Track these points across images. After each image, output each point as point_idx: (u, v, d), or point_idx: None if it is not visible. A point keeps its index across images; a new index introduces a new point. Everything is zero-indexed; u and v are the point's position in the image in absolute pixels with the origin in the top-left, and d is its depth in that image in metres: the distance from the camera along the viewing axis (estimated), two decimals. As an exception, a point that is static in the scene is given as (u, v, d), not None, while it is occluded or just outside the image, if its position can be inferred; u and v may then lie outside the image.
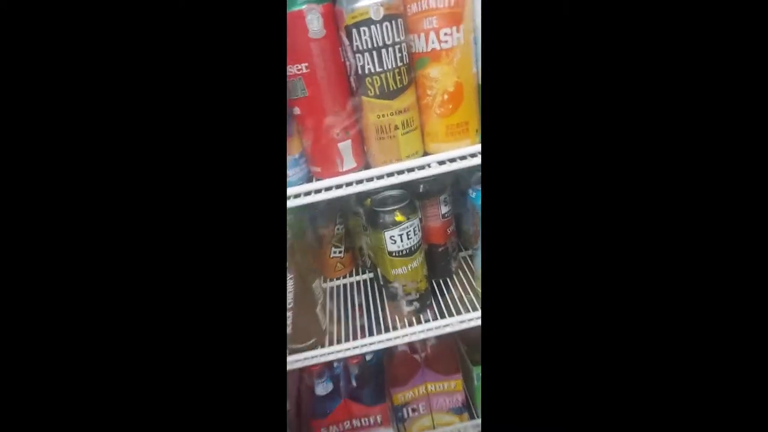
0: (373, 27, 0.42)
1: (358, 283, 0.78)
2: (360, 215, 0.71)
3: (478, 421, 0.75)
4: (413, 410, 0.73)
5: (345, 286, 0.77)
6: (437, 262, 0.70)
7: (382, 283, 0.66)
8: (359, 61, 0.44)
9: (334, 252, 0.76)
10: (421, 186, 0.65)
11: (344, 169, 0.50)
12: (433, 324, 0.62)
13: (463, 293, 0.67)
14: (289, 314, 0.59)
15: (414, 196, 0.61)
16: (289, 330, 0.60)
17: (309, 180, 0.53)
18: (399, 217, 0.58)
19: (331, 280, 0.79)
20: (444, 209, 0.67)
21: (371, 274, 0.77)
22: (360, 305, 0.70)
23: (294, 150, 0.51)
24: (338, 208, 0.75)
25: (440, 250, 0.69)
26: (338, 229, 0.75)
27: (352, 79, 0.47)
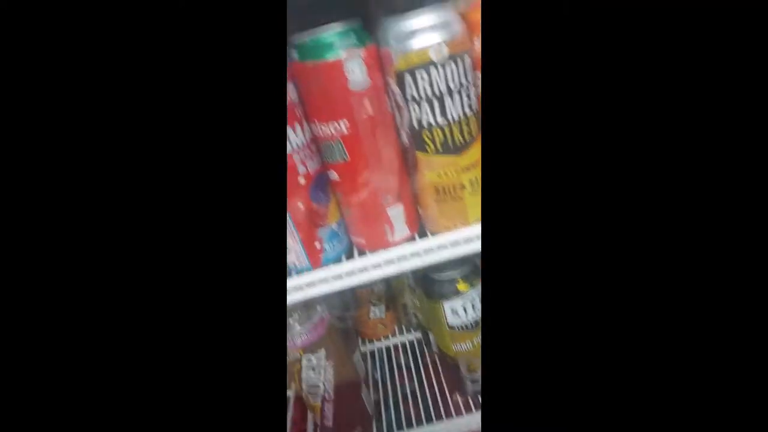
0: (433, 71, 0.33)
1: (403, 344, 0.68)
2: (407, 277, 0.61)
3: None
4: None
5: (388, 349, 0.68)
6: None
7: (436, 352, 0.56)
8: (414, 111, 0.35)
9: (374, 313, 0.66)
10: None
11: (395, 239, 0.41)
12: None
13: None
14: (328, 406, 0.49)
15: (477, 257, 0.51)
16: (327, 423, 0.50)
17: (350, 252, 0.43)
18: (462, 286, 0.48)
19: (371, 341, 0.69)
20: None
21: (418, 335, 0.67)
22: (412, 388, 0.59)
23: (332, 219, 0.41)
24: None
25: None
26: (377, 288, 0.66)
27: (404, 133, 0.37)
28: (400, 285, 0.65)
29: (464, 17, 0.34)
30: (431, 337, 0.58)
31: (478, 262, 0.50)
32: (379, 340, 0.69)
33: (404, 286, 0.64)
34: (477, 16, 0.34)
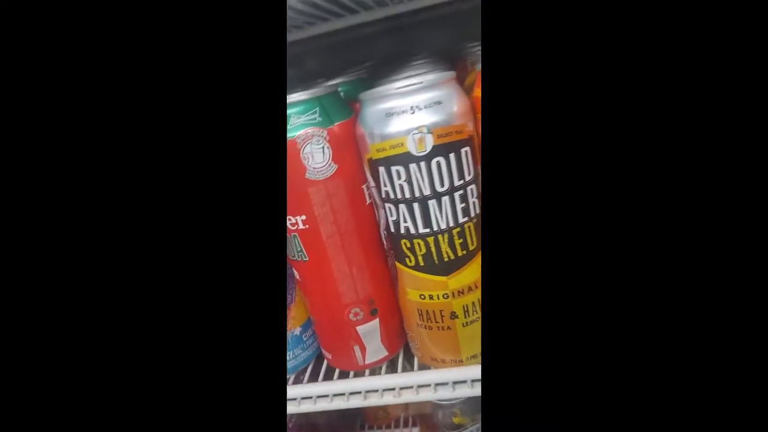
0: (413, 166, 0.24)
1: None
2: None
3: None
4: None
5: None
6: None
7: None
8: (391, 214, 0.26)
9: None
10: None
11: (365, 362, 0.31)
12: None
13: None
14: None
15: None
16: None
17: (319, 359, 0.35)
18: (458, 419, 0.37)
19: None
20: None
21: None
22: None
23: (296, 322, 0.33)
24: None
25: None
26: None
27: (382, 231, 0.29)
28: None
29: (468, 91, 0.25)
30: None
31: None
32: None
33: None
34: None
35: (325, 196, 0.27)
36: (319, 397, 0.31)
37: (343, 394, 0.31)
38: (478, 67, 0.28)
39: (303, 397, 0.32)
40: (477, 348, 0.29)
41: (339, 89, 0.32)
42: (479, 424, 0.37)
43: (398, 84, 0.24)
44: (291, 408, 0.32)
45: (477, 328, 0.29)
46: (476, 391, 0.30)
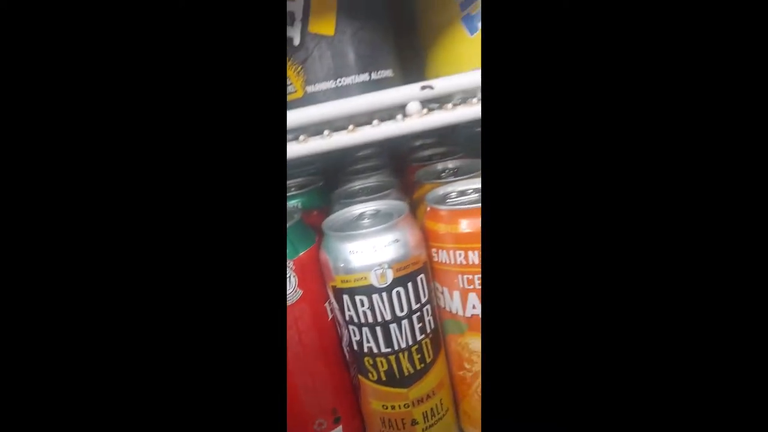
0: (375, 296, 0.26)
1: None
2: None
3: None
4: None
5: None
6: None
7: None
8: (354, 335, 0.28)
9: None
10: None
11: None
12: None
13: None
14: None
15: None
16: None
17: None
18: None
19: None
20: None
21: None
22: None
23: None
24: None
25: None
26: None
27: (344, 347, 0.30)
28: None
29: (422, 226, 0.29)
30: None
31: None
32: None
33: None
34: (435, 226, 0.28)
35: (292, 320, 0.28)
36: None
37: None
38: (426, 194, 0.31)
39: None
40: None
41: (297, 202, 0.34)
42: None
43: (355, 214, 0.27)
44: None
45: (439, 429, 0.31)
46: None
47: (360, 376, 0.30)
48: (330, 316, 0.30)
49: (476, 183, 0.31)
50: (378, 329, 0.27)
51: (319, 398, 0.30)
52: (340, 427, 0.32)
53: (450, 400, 0.32)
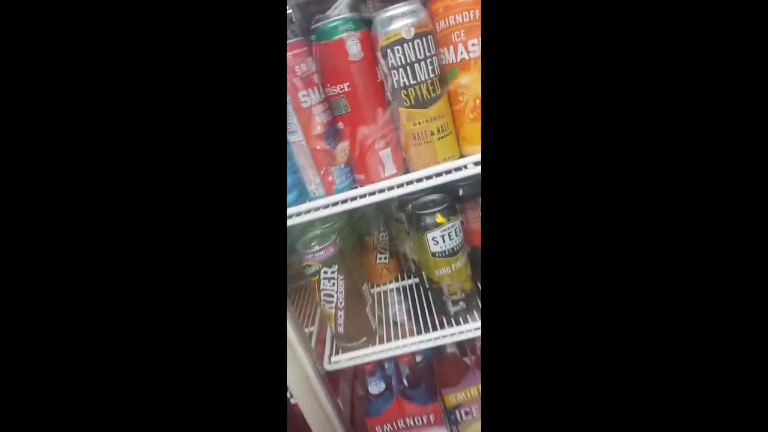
0: (405, 45, 0.47)
1: (404, 287, 0.81)
2: (402, 221, 0.75)
3: (533, 424, 0.74)
4: (466, 413, 0.73)
5: (391, 291, 0.81)
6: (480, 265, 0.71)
7: (427, 285, 0.69)
8: (395, 76, 0.49)
9: (380, 259, 0.80)
10: (461, 190, 0.68)
11: (385, 175, 0.55)
12: (478, 323, 0.63)
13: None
14: (340, 314, 0.63)
15: (454, 200, 0.64)
16: (340, 329, 0.64)
17: (354, 187, 0.58)
18: (440, 219, 0.61)
19: (378, 285, 0.83)
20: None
21: (416, 280, 0.80)
22: (407, 310, 0.73)
23: (340, 160, 0.56)
24: (382, 217, 0.79)
25: (482, 251, 0.71)
26: (382, 237, 0.80)
27: (388, 93, 0.52)
28: (400, 234, 0.78)
29: (427, 7, 0.49)
30: (424, 274, 0.72)
31: (453, 200, 0.63)
32: (383, 284, 0.82)
33: (403, 235, 0.78)
34: (436, 6, 0.48)
35: (359, 70, 0.49)
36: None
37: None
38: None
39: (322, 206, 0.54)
40: (448, 153, 0.53)
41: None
42: (455, 222, 0.62)
43: (394, 5, 0.47)
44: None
45: (447, 142, 0.53)
46: (445, 179, 0.54)
47: (399, 107, 0.51)
48: (379, 78, 0.51)
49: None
50: (408, 68, 0.48)
51: (378, 126, 0.53)
52: (390, 149, 0.54)
53: (452, 126, 0.53)
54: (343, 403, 0.75)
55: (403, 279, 0.83)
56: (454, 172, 0.53)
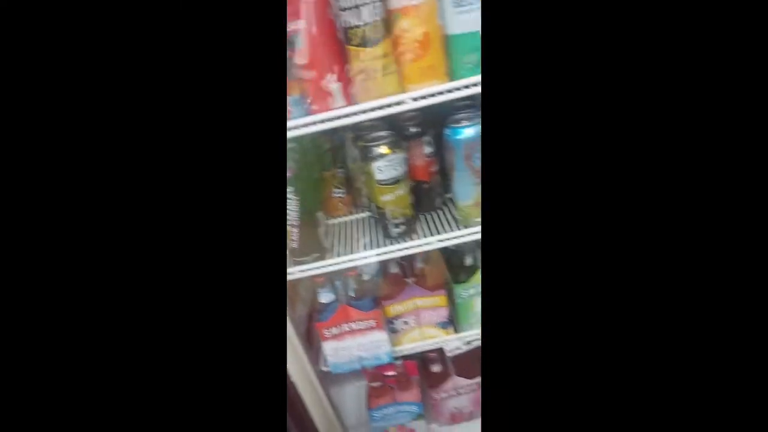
0: (353, -14, 0.54)
1: (357, 220, 0.91)
2: (357, 156, 0.84)
3: (462, 334, 0.88)
4: (405, 323, 0.86)
5: (345, 223, 0.91)
6: (423, 197, 0.82)
7: (374, 212, 0.79)
8: (344, 17, 0.57)
9: (336, 192, 0.89)
10: (408, 128, 0.77)
11: (335, 106, 0.63)
12: (416, 242, 0.74)
13: (444, 221, 0.79)
14: (295, 231, 0.73)
15: (401, 137, 0.74)
16: (294, 245, 0.74)
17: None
18: (385, 150, 0.71)
19: (334, 217, 0.92)
20: (427, 149, 0.79)
21: (368, 213, 0.90)
22: (358, 238, 0.83)
23: (295, 91, 0.64)
24: (339, 155, 0.87)
25: (425, 186, 0.82)
26: (339, 173, 0.88)
27: (340, 33, 0.59)
28: (355, 171, 0.87)
29: (375, -43, 0.56)
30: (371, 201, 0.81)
31: (400, 139, 0.72)
32: (338, 216, 0.92)
33: (358, 172, 0.87)
34: (382, -44, 0.55)
35: (312, 9, 0.56)
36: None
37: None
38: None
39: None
40: (391, 90, 0.62)
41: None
42: (399, 154, 0.71)
43: None
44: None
45: (390, 79, 0.61)
46: (388, 111, 0.62)
47: (348, 47, 0.59)
48: (331, 17, 0.58)
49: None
50: (354, 10, 0.56)
51: (329, 61, 0.60)
52: (340, 83, 0.62)
53: (395, 67, 0.61)
54: (301, 321, 0.87)
55: (357, 213, 0.93)
56: (395, 106, 0.62)
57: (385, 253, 0.75)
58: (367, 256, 0.75)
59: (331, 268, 0.75)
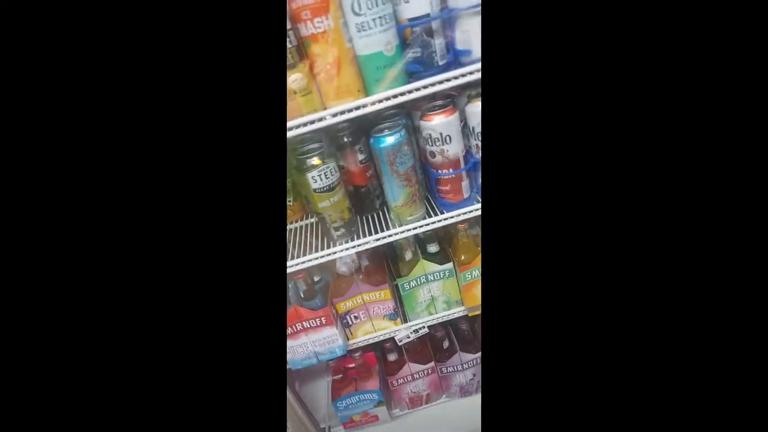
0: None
1: (305, 225, 0.98)
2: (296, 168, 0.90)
3: (409, 324, 0.95)
4: (355, 317, 0.93)
5: (294, 228, 0.97)
6: (362, 200, 0.89)
7: (316, 218, 0.86)
8: None
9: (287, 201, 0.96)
10: (342, 138, 0.84)
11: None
12: (355, 242, 0.81)
13: (383, 221, 0.87)
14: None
15: (334, 147, 0.80)
16: (245, 254, 0.80)
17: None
18: (316, 162, 0.78)
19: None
20: (361, 156, 0.86)
21: (315, 219, 0.97)
22: (307, 242, 0.90)
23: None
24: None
25: (362, 190, 0.89)
26: (288, 182, 0.95)
27: None
28: (300, 180, 0.94)
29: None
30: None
31: (332, 149, 0.79)
32: (290, 222, 0.98)
33: (302, 182, 0.93)
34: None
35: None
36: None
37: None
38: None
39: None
40: (311, 108, 0.69)
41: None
42: (330, 164, 0.78)
43: None
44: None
45: (309, 99, 0.68)
46: (309, 127, 0.69)
47: None
48: None
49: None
50: None
51: None
52: None
53: (313, 87, 0.68)
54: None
55: (305, 219, 0.99)
56: (316, 122, 0.69)
57: (328, 255, 0.82)
58: (311, 259, 0.81)
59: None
